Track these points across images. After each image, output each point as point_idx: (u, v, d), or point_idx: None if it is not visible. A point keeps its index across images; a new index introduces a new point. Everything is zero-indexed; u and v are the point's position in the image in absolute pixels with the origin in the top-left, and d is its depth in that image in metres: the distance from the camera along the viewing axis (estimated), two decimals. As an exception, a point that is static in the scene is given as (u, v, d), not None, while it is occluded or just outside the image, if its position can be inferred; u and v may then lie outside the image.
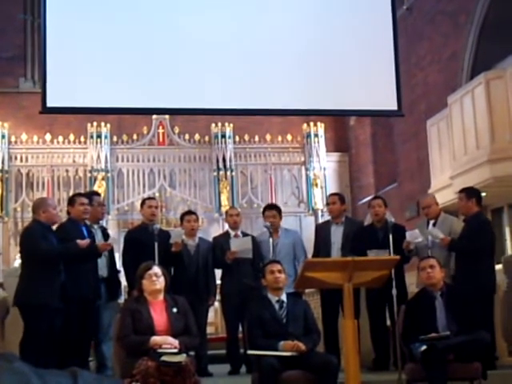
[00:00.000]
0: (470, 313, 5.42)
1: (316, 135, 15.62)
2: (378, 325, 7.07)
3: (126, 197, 15.05)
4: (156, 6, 7.43)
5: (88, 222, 6.88)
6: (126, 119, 14.70)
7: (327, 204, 7.86)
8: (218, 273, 7.68)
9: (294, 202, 15.51)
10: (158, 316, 5.09)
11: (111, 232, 8.57)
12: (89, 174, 14.79)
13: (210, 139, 15.37)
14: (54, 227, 6.64)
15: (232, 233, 7.70)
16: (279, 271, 5.51)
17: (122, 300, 7.61)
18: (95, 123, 14.76)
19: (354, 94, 7.74)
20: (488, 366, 5.68)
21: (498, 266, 7.33)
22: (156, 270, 5.22)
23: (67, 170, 15.04)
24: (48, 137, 14.84)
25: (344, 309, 5.28)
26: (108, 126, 14.87)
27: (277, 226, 7.50)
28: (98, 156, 14.81)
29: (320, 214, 14.99)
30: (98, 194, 7.97)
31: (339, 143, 16.42)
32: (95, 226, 7.05)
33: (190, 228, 7.51)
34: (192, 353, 5.12)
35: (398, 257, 5.86)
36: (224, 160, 15.18)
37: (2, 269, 13.67)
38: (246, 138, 15.50)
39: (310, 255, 7.44)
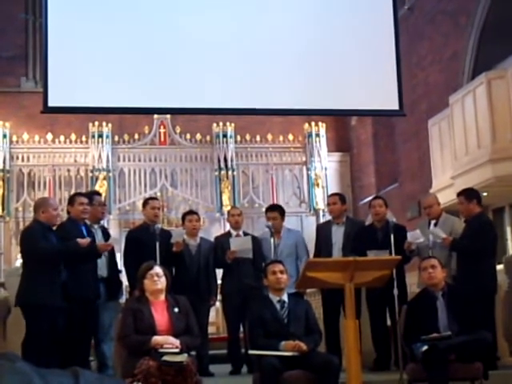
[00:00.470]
0: (471, 313, 5.42)
1: (317, 135, 15.62)
2: (378, 325, 7.07)
3: (128, 196, 15.05)
4: (157, 5, 7.43)
5: (88, 222, 6.88)
6: (128, 119, 14.70)
7: (328, 204, 7.85)
8: (220, 273, 7.68)
9: (295, 202, 15.51)
10: (160, 316, 5.09)
11: (112, 232, 8.59)
12: (90, 174, 14.80)
13: (212, 139, 15.37)
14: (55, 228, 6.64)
15: (234, 233, 7.70)
16: (281, 271, 5.51)
17: (123, 300, 7.61)
18: (97, 123, 14.77)
19: (355, 93, 7.74)
20: (489, 366, 5.68)
21: (500, 266, 7.32)
22: (157, 269, 5.22)
23: (69, 170, 15.04)
24: (49, 136, 14.85)
25: (345, 309, 5.28)
26: (109, 125, 14.88)
27: (279, 227, 7.49)
28: (100, 156, 14.81)
29: (321, 213, 14.98)
30: (99, 194, 7.97)
31: (340, 143, 16.42)
32: (95, 226, 7.04)
33: (192, 228, 7.51)
34: (193, 353, 5.13)
35: (399, 257, 5.87)
36: (225, 160, 15.18)
37: (3, 268, 13.69)
38: (248, 137, 15.50)
39: (311, 255, 7.44)
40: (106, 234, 7.14)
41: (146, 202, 7.65)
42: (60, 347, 6.21)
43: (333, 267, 5.30)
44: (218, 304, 8.53)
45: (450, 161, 10.59)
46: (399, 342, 5.99)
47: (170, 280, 5.33)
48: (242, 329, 7.26)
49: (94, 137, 14.89)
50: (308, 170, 15.59)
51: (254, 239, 7.60)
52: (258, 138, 15.56)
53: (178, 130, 15.35)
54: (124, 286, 7.56)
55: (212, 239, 8.00)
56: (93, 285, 6.59)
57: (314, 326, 5.48)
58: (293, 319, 5.37)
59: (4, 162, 14.49)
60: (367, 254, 6.50)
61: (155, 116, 15.03)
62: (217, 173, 15.16)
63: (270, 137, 15.59)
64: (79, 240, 6.32)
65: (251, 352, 5.36)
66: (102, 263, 6.83)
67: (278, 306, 5.42)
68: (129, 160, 15.23)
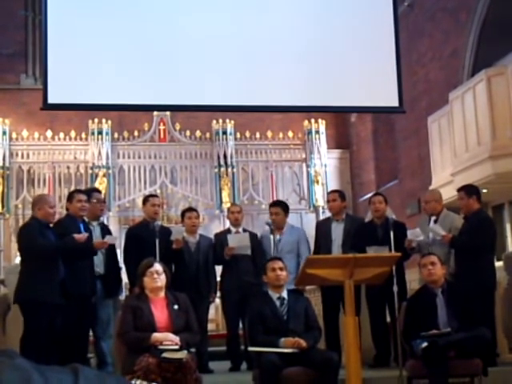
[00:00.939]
0: (470, 309, 5.43)
1: (317, 132, 15.61)
2: (378, 322, 7.08)
3: (127, 193, 15.05)
4: (157, 2, 7.42)
5: (86, 219, 6.88)
6: (127, 116, 14.70)
7: (328, 201, 7.85)
8: (219, 270, 7.68)
9: (294, 199, 15.49)
10: (159, 313, 5.09)
11: (112, 229, 8.57)
12: (90, 171, 14.79)
13: (211, 136, 15.36)
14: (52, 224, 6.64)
15: (233, 230, 7.70)
16: (280, 268, 5.52)
17: (123, 297, 7.62)
18: (96, 120, 14.76)
19: (355, 90, 7.73)
20: (489, 362, 5.69)
21: (499, 263, 7.33)
22: (157, 267, 5.23)
23: (68, 167, 15.03)
24: (49, 133, 14.83)
25: (345, 306, 5.28)
26: (109, 122, 14.87)
27: (280, 223, 7.47)
28: (99, 153, 14.81)
29: (321, 210, 14.98)
30: (99, 191, 7.97)
31: (340, 140, 16.41)
32: (94, 223, 7.04)
33: (191, 225, 7.52)
34: (193, 349, 5.13)
35: (399, 254, 5.87)
36: (225, 157, 15.17)
37: (3, 265, 13.69)
38: (247, 134, 15.49)
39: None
40: (105, 231, 7.13)
41: (145, 200, 7.66)
42: (58, 344, 6.21)
43: (332, 264, 5.31)
44: (217, 301, 8.54)
45: (450, 158, 10.59)
46: (399, 339, 5.99)
47: (169, 277, 5.34)
48: (241, 325, 7.26)
49: (93, 134, 14.87)
50: (308, 166, 15.58)
51: (253, 236, 7.60)
52: (257, 135, 15.55)
53: (178, 127, 15.35)
54: (124, 283, 7.57)
55: (212, 236, 8.01)
56: (89, 281, 6.59)
57: (313, 323, 5.49)
58: (292, 316, 5.38)
59: (4, 159, 14.48)
60: (366, 250, 6.51)
61: (155, 113, 15.01)
62: (216, 170, 15.16)
63: (269, 134, 15.58)
64: (76, 235, 6.32)
65: (251, 349, 5.37)
66: (99, 260, 6.83)
67: (277, 303, 5.43)
68: (128, 157, 15.22)
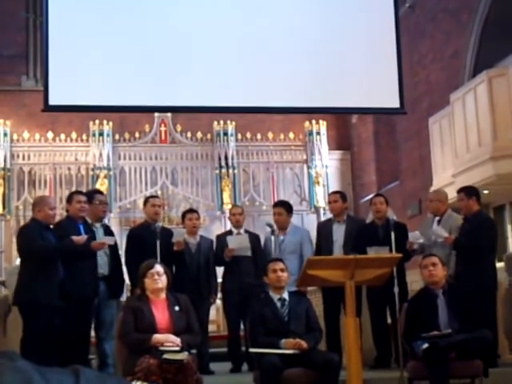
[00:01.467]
0: (471, 311, 5.42)
1: (318, 133, 15.61)
2: (379, 323, 7.08)
3: (128, 195, 15.06)
4: (158, 4, 7.43)
5: (90, 221, 6.88)
6: (128, 117, 14.71)
7: (329, 202, 7.84)
8: (220, 271, 7.68)
9: (295, 200, 15.46)
10: (160, 314, 5.09)
11: (113, 230, 8.57)
12: (91, 172, 14.80)
13: (212, 137, 15.37)
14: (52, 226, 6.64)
15: (235, 231, 7.71)
16: (281, 270, 5.52)
17: (124, 298, 7.62)
18: (97, 121, 14.76)
19: (356, 91, 7.73)
20: (490, 363, 5.68)
21: (500, 264, 7.33)
22: (158, 268, 5.22)
23: (69, 168, 15.04)
24: (50, 135, 14.84)
25: (346, 307, 5.28)
26: (110, 124, 14.88)
27: (283, 223, 7.44)
28: (100, 154, 14.82)
29: (322, 212, 14.99)
30: (101, 193, 7.97)
31: (341, 141, 16.41)
32: (97, 225, 7.04)
33: (192, 226, 7.52)
34: (194, 351, 5.13)
35: (400, 255, 5.87)
36: (226, 158, 15.18)
37: (4, 267, 13.69)
38: (248, 135, 15.50)
39: (314, 254, 7.43)
40: (108, 233, 7.13)
41: (146, 200, 7.67)
42: (58, 346, 6.21)
43: (333, 265, 5.30)
44: (218, 302, 8.54)
45: (451, 159, 10.58)
46: (400, 340, 5.99)
47: (170, 278, 5.34)
48: (242, 327, 7.26)
49: (94, 135, 14.88)
50: (309, 168, 15.59)
51: (254, 237, 7.60)
52: (258, 136, 15.55)
53: (179, 128, 15.36)
54: (125, 285, 7.57)
55: (213, 237, 8.01)
56: (91, 283, 6.58)
57: (314, 324, 5.49)
58: (293, 317, 5.38)
59: (5, 161, 14.50)
60: (367, 250, 6.51)
61: (156, 114, 15.02)
62: (217, 171, 15.16)
63: (270, 135, 15.58)
64: (74, 237, 6.32)
65: (251, 350, 5.37)
66: (103, 261, 6.83)
67: (278, 304, 5.43)
68: (129, 158, 15.23)
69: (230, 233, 7.82)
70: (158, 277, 5.17)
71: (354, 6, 7.90)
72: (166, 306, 5.15)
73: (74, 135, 14.94)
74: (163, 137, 15.43)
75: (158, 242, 6.72)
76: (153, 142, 15.38)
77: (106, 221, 8.86)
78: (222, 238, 7.69)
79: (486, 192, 8.86)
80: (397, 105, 7.89)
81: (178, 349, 4.84)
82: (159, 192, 14.49)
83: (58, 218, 6.88)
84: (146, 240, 6.97)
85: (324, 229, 7.61)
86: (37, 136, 14.84)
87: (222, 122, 15.22)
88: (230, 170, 15.14)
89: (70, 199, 6.86)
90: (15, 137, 14.79)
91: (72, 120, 14.65)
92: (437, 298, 5.51)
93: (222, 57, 7.44)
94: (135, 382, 4.40)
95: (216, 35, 7.41)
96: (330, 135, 15.95)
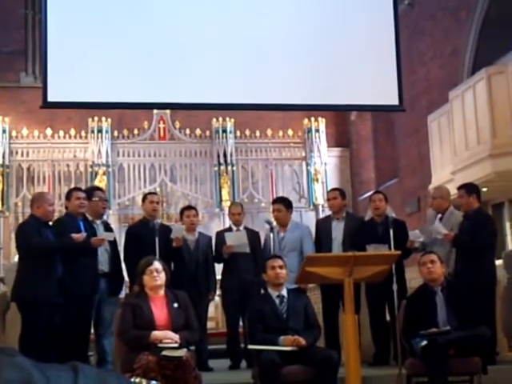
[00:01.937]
0: (470, 308, 5.43)
1: (317, 130, 15.61)
2: (378, 320, 7.08)
3: (127, 191, 15.05)
4: (157, 1, 7.42)
5: (90, 218, 6.88)
6: (127, 114, 14.69)
7: (328, 199, 7.83)
8: (219, 268, 7.68)
9: (294, 197, 15.42)
10: (159, 311, 5.10)
11: (112, 227, 8.57)
12: (90, 169, 14.79)
13: (211, 134, 15.36)
14: (52, 223, 6.64)
15: (234, 228, 7.70)
16: (280, 267, 5.51)
17: (122, 295, 7.62)
18: (96, 118, 14.76)
19: (355, 88, 7.73)
20: (488, 360, 5.70)
21: (499, 261, 7.33)
22: (157, 265, 5.22)
23: (68, 165, 15.03)
24: (49, 131, 14.83)
25: (344, 304, 5.28)
26: (109, 120, 14.86)
27: (283, 220, 7.41)
28: (99, 151, 14.81)
29: (321, 209, 14.99)
30: (101, 189, 7.97)
31: (340, 138, 16.41)
32: (97, 222, 7.04)
33: (190, 223, 7.52)
34: (192, 347, 5.13)
35: (398, 252, 5.87)
36: (225, 155, 15.18)
37: (2, 263, 13.69)
38: (247, 132, 15.50)
39: (312, 250, 7.42)
40: (108, 230, 7.13)
41: (144, 197, 7.68)
42: (57, 342, 6.21)
43: (332, 262, 5.31)
44: (216, 299, 8.54)
45: (450, 156, 10.59)
46: (398, 337, 6.00)
47: (169, 275, 5.34)
48: (241, 324, 7.26)
49: (93, 132, 14.88)
50: (307, 165, 15.58)
51: (254, 234, 7.60)
52: (257, 134, 15.55)
53: (178, 125, 15.34)
54: (124, 282, 7.57)
55: (212, 234, 8.01)
56: (91, 280, 6.58)
57: (313, 321, 5.49)
58: (292, 314, 5.38)
59: (3, 157, 14.48)
60: (366, 247, 6.52)
61: (155, 111, 15.01)
62: (216, 168, 15.16)
63: (269, 132, 15.58)
64: (74, 235, 6.32)
65: (250, 347, 5.36)
66: (104, 258, 6.84)
67: (277, 301, 5.43)
68: (128, 155, 15.22)
69: (229, 230, 7.81)
70: (157, 274, 5.17)
71: (353, 3, 7.90)
72: (165, 303, 5.16)
73: (72, 132, 14.93)
74: (162, 134, 15.42)
75: (156, 239, 6.72)
76: (151, 139, 15.37)
77: (105, 217, 8.86)
78: (221, 235, 7.69)
79: (484, 190, 8.85)
80: (396, 102, 7.89)
81: (176, 345, 4.84)
82: (158, 189, 14.49)
83: (56, 215, 6.87)
84: (145, 237, 6.98)
85: (323, 226, 7.60)
86: (35, 133, 14.83)
87: (220, 118, 15.21)
88: (229, 167, 15.14)
89: (68, 196, 6.86)
90: (14, 133, 14.77)
91: (71, 117, 14.63)
92: (435, 296, 5.51)
93: (221, 54, 7.43)
94: (134, 379, 4.39)
95: (215, 32, 7.41)
96: (329, 132, 15.94)
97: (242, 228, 7.69)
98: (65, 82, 7.15)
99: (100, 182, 14.31)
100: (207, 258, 7.53)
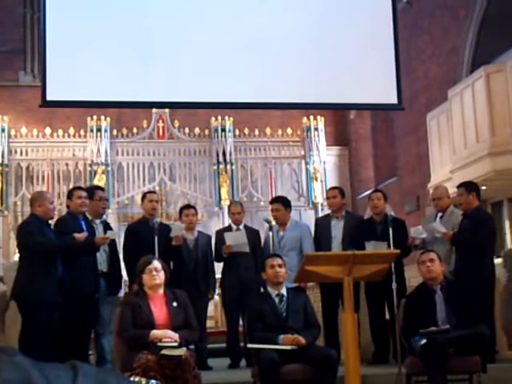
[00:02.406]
0: (469, 306, 5.43)
1: (316, 129, 15.61)
2: (377, 318, 7.08)
3: (126, 190, 15.05)
4: (156, 0, 7.42)
5: (89, 217, 6.88)
6: (126, 113, 14.69)
7: (327, 198, 7.82)
8: (219, 267, 7.68)
9: (293, 196, 15.46)
10: (158, 310, 5.09)
11: (111, 226, 8.57)
12: (89, 168, 14.79)
13: (210, 133, 15.37)
14: (52, 221, 6.64)
15: (234, 227, 7.70)
16: (279, 265, 5.51)
17: (122, 294, 7.62)
18: (95, 117, 14.76)
19: (354, 87, 7.73)
20: (488, 359, 5.70)
21: (498, 260, 7.33)
22: (156, 264, 5.22)
23: (67, 164, 15.04)
24: (48, 130, 14.83)
25: (344, 302, 5.28)
26: (108, 119, 14.86)
27: (282, 219, 7.40)
28: (98, 150, 14.81)
29: (320, 207, 15.00)
30: (101, 189, 7.96)
31: (339, 137, 16.41)
32: (97, 221, 7.04)
33: (189, 222, 7.51)
34: (192, 346, 5.13)
35: (398, 251, 5.86)
36: (224, 154, 15.18)
37: (2, 262, 13.68)
38: (246, 131, 15.50)
39: (311, 250, 7.41)
40: (107, 229, 7.13)
41: (144, 196, 7.67)
42: (57, 342, 6.21)
43: (331, 261, 5.30)
44: (216, 298, 8.54)
45: (449, 155, 10.59)
46: (398, 336, 6.00)
47: (168, 274, 5.33)
48: (241, 322, 7.26)
49: (92, 131, 14.87)
50: (307, 164, 15.59)
51: (254, 233, 7.60)
52: (256, 132, 15.56)
53: (177, 124, 15.34)
54: (123, 281, 7.57)
55: (211, 233, 8.01)
56: (92, 280, 6.58)
57: (312, 320, 5.49)
58: (291, 313, 5.38)
59: (2, 156, 14.48)
60: (365, 245, 6.51)
61: (154, 110, 15.01)
62: (215, 167, 15.16)
63: (268, 131, 15.58)
64: (76, 235, 6.32)
65: (250, 346, 5.36)
66: (102, 258, 6.84)
67: (276, 300, 5.43)
68: (127, 154, 15.22)
69: (229, 228, 7.81)
70: (156, 273, 5.17)
71: (352, 2, 7.90)
72: (164, 302, 5.15)
73: (71, 131, 14.93)
74: (161, 132, 15.42)
75: (155, 238, 6.71)
76: (151, 138, 15.37)
77: (104, 217, 8.85)
78: (221, 234, 7.68)
79: (483, 188, 8.85)
80: (394, 101, 7.89)
81: (176, 344, 4.84)
82: (157, 188, 14.49)
83: (55, 213, 6.86)
84: (144, 236, 6.97)
85: (322, 225, 7.59)
86: (34, 132, 14.82)
87: (219, 117, 15.22)
88: (228, 166, 15.14)
89: (70, 195, 6.85)
90: (13, 132, 14.77)
91: (70, 116, 14.63)
92: (435, 294, 5.51)
93: (220, 53, 7.43)
94: (133, 378, 4.40)
95: (214, 32, 7.40)
96: (328, 131, 15.95)
97: (241, 227, 7.69)
98: (64, 81, 7.15)
99: (99, 180, 14.31)
100: (206, 257, 7.53)
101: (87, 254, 6.54)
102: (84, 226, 6.61)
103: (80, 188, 7.38)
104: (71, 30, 7.21)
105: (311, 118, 15.52)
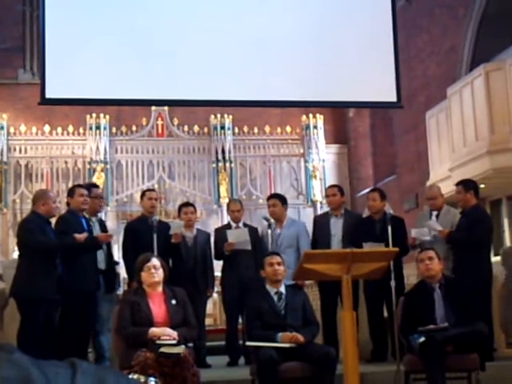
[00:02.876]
0: (468, 304, 5.43)
1: (315, 127, 15.61)
2: (376, 316, 7.08)
3: (125, 188, 15.05)
4: (155, -3, 7.41)
5: (86, 215, 6.87)
6: (125, 111, 14.68)
7: (327, 196, 7.82)
8: (219, 264, 7.68)
9: (292, 194, 15.48)
10: (157, 308, 5.10)
11: (110, 224, 8.59)
12: (88, 166, 14.78)
13: (209, 131, 15.36)
14: (53, 220, 6.64)
15: (233, 225, 7.70)
16: (278, 263, 5.51)
17: (120, 292, 7.62)
18: (94, 114, 14.75)
19: (353, 85, 7.73)
20: (486, 357, 5.71)
21: (496, 258, 7.34)
22: (155, 262, 5.22)
23: (66, 162, 15.03)
24: (47, 128, 14.82)
25: (343, 300, 5.29)
26: (107, 117, 14.85)
27: (279, 215, 7.40)
28: (97, 147, 14.80)
29: (319, 205, 15.00)
30: (97, 186, 7.96)
31: (338, 135, 16.41)
32: (93, 219, 7.04)
33: (187, 220, 7.51)
34: (190, 344, 5.13)
35: (396, 249, 5.86)
36: (223, 152, 15.18)
37: (0, 260, 13.68)
38: (245, 129, 15.49)
39: (311, 247, 7.41)
40: (103, 227, 7.14)
41: (143, 194, 7.68)
42: (56, 339, 6.21)
43: (330, 259, 5.30)
44: (215, 296, 8.54)
45: (448, 153, 10.59)
46: (396, 334, 6.00)
47: (167, 272, 5.34)
48: (240, 320, 7.26)
49: (91, 128, 14.87)
50: (306, 161, 15.59)
51: (254, 231, 7.60)
52: (255, 130, 15.55)
53: (176, 121, 15.34)
54: (122, 278, 7.57)
55: (210, 231, 8.01)
56: (92, 277, 6.59)
57: (311, 318, 5.49)
58: (290, 311, 5.38)
59: (1, 154, 14.48)
60: (363, 246, 6.51)
61: (153, 108, 15.00)
62: (214, 165, 15.16)
63: (267, 129, 15.58)
64: (76, 235, 6.32)
65: (248, 343, 5.37)
66: (100, 256, 6.84)
67: (275, 298, 5.43)
68: (126, 152, 15.21)
69: (228, 226, 7.81)
70: (155, 270, 5.17)
71: (351, 1, 7.89)
72: (163, 300, 5.16)
73: (70, 128, 14.92)
74: (160, 130, 15.42)
75: (154, 236, 6.72)
76: (150, 136, 15.36)
77: (102, 215, 8.86)
78: (221, 232, 7.68)
79: (482, 186, 8.86)
80: (394, 99, 7.89)
81: (174, 342, 4.84)
82: (156, 186, 14.49)
83: (57, 212, 6.86)
84: (143, 233, 6.98)
85: (321, 223, 7.59)
86: (33, 129, 14.81)
87: (218, 115, 15.21)
88: (227, 164, 15.14)
89: (71, 193, 6.84)
90: (12, 130, 14.76)
91: (69, 113, 14.62)
92: (433, 292, 5.51)
93: (219, 51, 7.43)
94: (132, 376, 4.40)
95: (213, 29, 7.40)
96: (327, 129, 15.95)
97: (241, 224, 7.69)
98: (63, 79, 7.14)
99: (98, 178, 14.31)
100: (205, 255, 7.53)
101: (89, 252, 6.55)
102: (85, 224, 6.62)
103: (81, 186, 7.38)
104: (70, 27, 7.21)
105: (310, 116, 15.52)
